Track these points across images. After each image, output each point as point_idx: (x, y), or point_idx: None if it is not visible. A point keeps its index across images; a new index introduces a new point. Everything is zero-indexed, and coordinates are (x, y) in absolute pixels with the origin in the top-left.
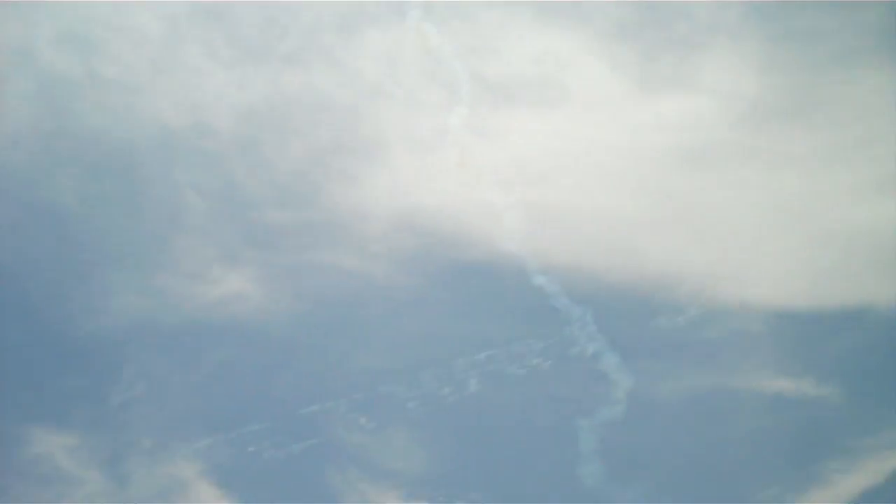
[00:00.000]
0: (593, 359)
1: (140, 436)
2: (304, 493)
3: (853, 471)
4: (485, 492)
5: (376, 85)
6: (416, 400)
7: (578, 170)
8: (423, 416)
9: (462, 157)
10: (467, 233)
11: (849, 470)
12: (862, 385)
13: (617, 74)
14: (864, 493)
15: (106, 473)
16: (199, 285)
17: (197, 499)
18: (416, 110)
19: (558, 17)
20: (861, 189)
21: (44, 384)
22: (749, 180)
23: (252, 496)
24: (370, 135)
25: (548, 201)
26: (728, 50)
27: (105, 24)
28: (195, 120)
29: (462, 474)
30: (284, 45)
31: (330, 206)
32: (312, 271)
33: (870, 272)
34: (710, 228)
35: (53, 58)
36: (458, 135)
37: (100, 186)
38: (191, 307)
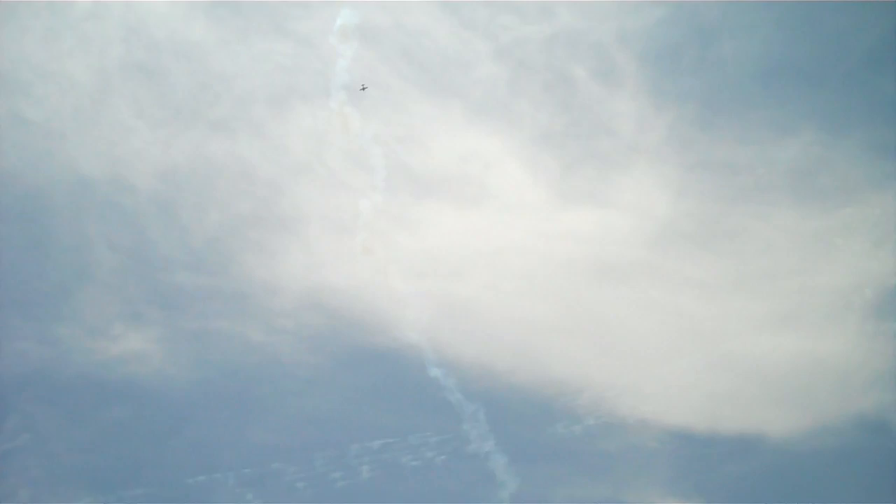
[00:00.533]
0: (485, 457)
1: (17, 488)
2: None
3: None
4: None
5: (299, 161)
6: (306, 481)
7: (489, 269)
8: (312, 498)
9: (371, 242)
10: (371, 318)
11: None
12: None
13: (538, 181)
14: None
15: None
16: (100, 340)
17: None
18: (334, 190)
19: (488, 118)
20: (761, 320)
21: None
22: (655, 299)
23: None
24: (287, 209)
25: (454, 296)
26: (646, 171)
27: (35, 67)
28: (115, 174)
29: None
30: (214, 111)
31: (241, 275)
32: (216, 339)
33: (764, 401)
34: (614, 342)
35: None
36: (369, 220)
37: (7, 228)
38: (88, 361)
